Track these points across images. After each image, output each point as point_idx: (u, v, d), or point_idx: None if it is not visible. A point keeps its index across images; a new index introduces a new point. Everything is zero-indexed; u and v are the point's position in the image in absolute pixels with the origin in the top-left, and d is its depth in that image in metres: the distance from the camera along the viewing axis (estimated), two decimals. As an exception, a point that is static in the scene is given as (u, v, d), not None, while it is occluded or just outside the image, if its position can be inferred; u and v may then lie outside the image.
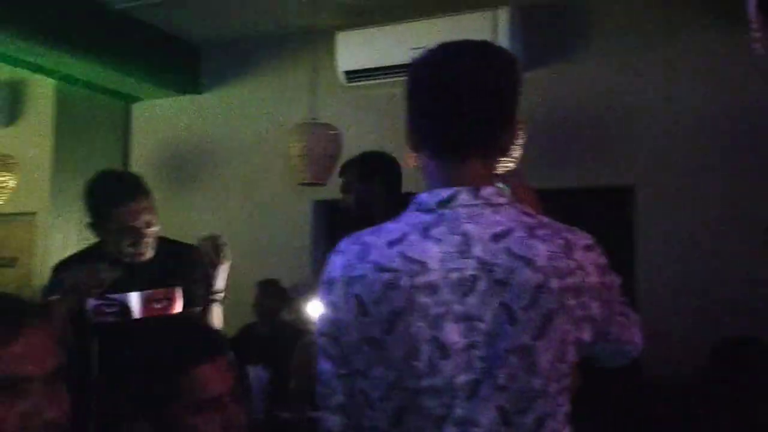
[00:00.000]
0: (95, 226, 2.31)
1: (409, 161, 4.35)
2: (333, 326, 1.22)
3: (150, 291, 2.34)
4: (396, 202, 1.73)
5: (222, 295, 2.45)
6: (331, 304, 1.22)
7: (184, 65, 4.93)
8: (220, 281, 2.43)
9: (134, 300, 2.31)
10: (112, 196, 2.25)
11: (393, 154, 4.38)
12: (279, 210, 4.67)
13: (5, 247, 5.57)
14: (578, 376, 1.25)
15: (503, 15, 3.86)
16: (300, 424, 3.45)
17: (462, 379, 1.12)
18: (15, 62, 4.37)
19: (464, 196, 1.18)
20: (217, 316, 2.46)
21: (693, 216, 3.81)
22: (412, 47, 4.02)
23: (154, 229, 2.34)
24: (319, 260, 4.70)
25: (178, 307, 2.38)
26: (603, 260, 1.21)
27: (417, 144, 1.26)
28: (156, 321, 2.23)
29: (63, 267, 2.38)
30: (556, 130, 4.02)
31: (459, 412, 1.12)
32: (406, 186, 4.30)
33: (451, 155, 1.21)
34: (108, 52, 4.37)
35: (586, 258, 1.17)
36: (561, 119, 4.07)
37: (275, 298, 4.39)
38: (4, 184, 4.65)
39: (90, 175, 2.35)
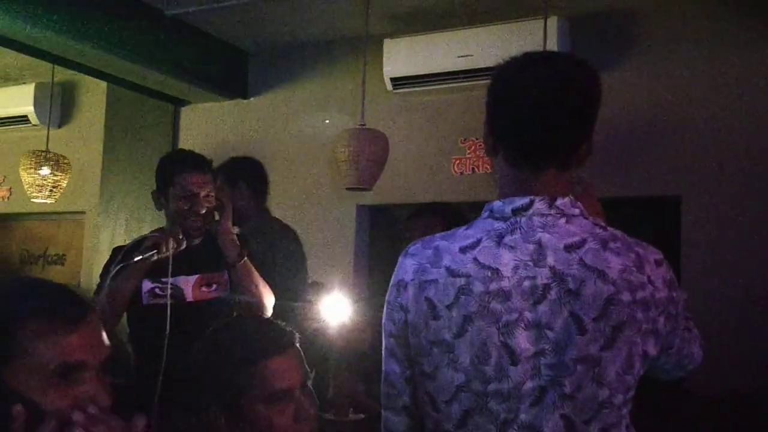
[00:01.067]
0: (159, 192, 2.47)
1: (455, 168, 4.38)
2: (402, 328, 1.24)
3: (201, 275, 2.42)
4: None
5: (243, 253, 2.52)
6: (402, 306, 1.24)
7: (232, 70, 5.01)
8: (233, 236, 2.54)
9: (187, 283, 2.39)
10: (179, 164, 2.45)
11: (438, 160, 4.43)
12: (324, 213, 4.72)
13: (55, 245, 5.71)
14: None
15: (552, 24, 3.85)
16: (342, 426, 3.47)
17: (529, 385, 1.13)
18: (69, 65, 4.48)
19: (539, 206, 1.20)
20: (252, 276, 2.54)
21: (740, 227, 3.76)
22: (459, 55, 4.09)
23: (211, 204, 2.44)
24: (362, 264, 4.74)
25: (226, 292, 2.46)
26: (671, 275, 1.22)
27: (494, 149, 1.27)
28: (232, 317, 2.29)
29: (120, 250, 2.48)
30: (603, 139, 3.98)
31: (524, 417, 1.13)
32: (450, 194, 4.33)
33: (529, 164, 1.23)
34: (159, 56, 4.46)
35: (656, 273, 1.18)
36: (608, 129, 4.04)
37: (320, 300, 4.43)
38: (57, 184, 4.77)
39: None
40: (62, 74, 5.13)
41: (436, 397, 1.19)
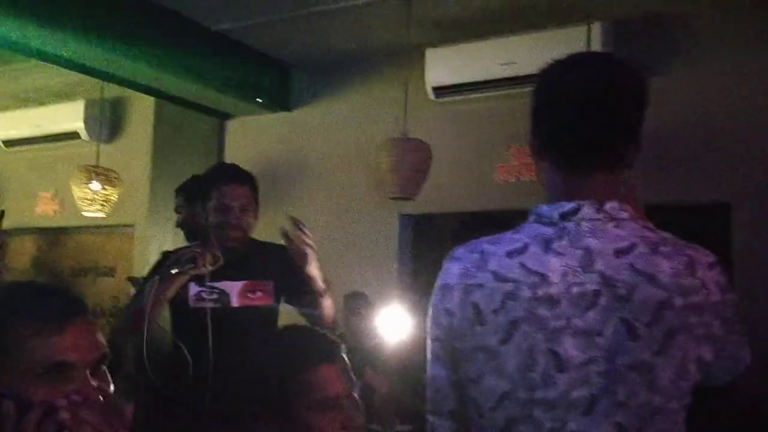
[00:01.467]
0: (197, 206, 2.54)
1: (499, 176, 4.36)
2: (447, 332, 1.23)
3: (247, 281, 2.45)
4: None
5: (323, 285, 2.52)
6: (446, 311, 1.23)
7: (275, 83, 5.07)
8: (316, 270, 2.51)
9: (233, 288, 2.42)
10: (214, 178, 2.50)
11: (481, 168, 4.41)
12: (367, 223, 4.73)
13: (105, 257, 5.83)
14: None
15: (596, 29, 3.82)
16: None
17: (578, 394, 1.11)
18: (117, 81, 4.58)
19: (587, 210, 1.18)
20: (329, 308, 2.54)
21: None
22: (502, 62, 4.08)
23: (248, 216, 2.48)
24: (406, 274, 4.74)
25: (271, 299, 2.48)
26: (724, 279, 1.18)
27: (541, 153, 1.26)
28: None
29: (169, 254, 2.55)
30: (651, 145, 3.92)
31: (573, 426, 1.11)
32: (494, 202, 4.30)
33: (577, 168, 1.21)
34: (204, 70, 4.54)
35: (709, 276, 1.15)
36: (655, 134, 3.97)
37: (362, 310, 4.45)
38: (107, 198, 4.87)
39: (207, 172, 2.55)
40: (111, 90, 5.25)
41: (481, 404, 1.18)
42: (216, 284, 2.38)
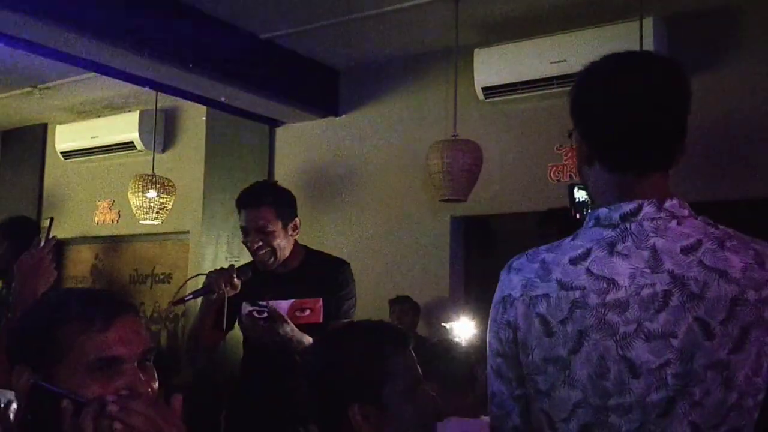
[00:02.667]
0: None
1: (552, 175, 4.31)
2: (511, 346, 1.20)
3: (295, 300, 2.47)
4: None
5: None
6: (509, 324, 1.20)
7: (323, 89, 5.11)
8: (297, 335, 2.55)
9: (282, 308, 2.45)
10: (239, 199, 2.56)
11: (533, 168, 4.36)
12: (417, 226, 4.72)
13: (162, 264, 5.95)
14: None
15: (648, 25, 3.74)
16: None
17: (654, 397, 1.09)
18: (170, 91, 4.68)
19: (648, 209, 1.15)
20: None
21: None
22: (552, 61, 4.03)
23: (269, 236, 2.48)
24: (458, 276, 4.71)
25: (320, 317, 2.50)
26: None
27: (591, 157, 1.23)
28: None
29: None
30: (706, 140, 3.85)
31: (650, 428, 1.09)
32: (547, 202, 4.25)
33: (633, 168, 1.18)
34: (254, 78, 4.60)
35: None
36: (710, 130, 3.89)
37: (410, 313, 4.45)
38: (163, 206, 4.98)
39: (237, 195, 2.60)
40: (164, 101, 5.36)
41: (553, 415, 1.15)
42: (266, 303, 2.42)
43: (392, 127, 4.92)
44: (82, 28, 3.68)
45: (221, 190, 5.33)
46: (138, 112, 5.68)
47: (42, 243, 1.96)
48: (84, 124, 5.98)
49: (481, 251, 4.74)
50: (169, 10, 4.06)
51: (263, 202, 2.50)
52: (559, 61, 3.95)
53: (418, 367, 1.42)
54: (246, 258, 2.67)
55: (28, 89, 5.49)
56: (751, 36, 3.90)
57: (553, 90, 4.08)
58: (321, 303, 2.51)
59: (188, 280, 2.67)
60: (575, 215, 2.42)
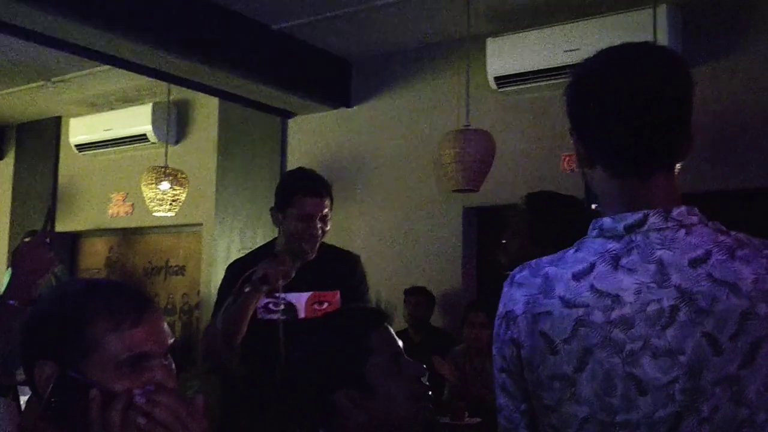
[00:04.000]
0: (277, 209, 2.53)
1: (565, 165, 4.28)
2: (515, 363, 1.17)
3: (314, 293, 2.47)
4: None
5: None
6: (513, 341, 1.17)
7: (335, 80, 5.10)
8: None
9: (300, 301, 2.45)
10: (298, 186, 2.51)
11: (547, 157, 4.35)
12: (430, 217, 4.72)
13: (176, 256, 5.98)
14: None
15: (662, 12, 3.71)
16: (459, 429, 3.46)
17: (662, 413, 1.06)
18: (183, 83, 4.69)
19: (654, 219, 1.10)
20: None
21: None
22: (565, 50, 4.00)
23: (326, 227, 2.51)
24: (471, 267, 4.71)
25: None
26: None
27: (590, 160, 1.17)
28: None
29: (238, 265, 2.59)
30: (719, 129, 3.82)
31: None
32: (561, 191, 4.23)
33: (635, 172, 1.13)
34: (266, 69, 4.60)
35: None
36: (723, 119, 3.86)
37: (424, 305, 4.45)
38: (176, 198, 4.99)
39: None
40: (177, 93, 5.38)
41: (561, 430, 1.14)
42: (284, 296, 2.41)
43: (404, 117, 4.91)
44: (95, 21, 3.69)
45: (234, 182, 5.34)
46: (151, 104, 5.69)
47: (40, 232, 1.97)
48: (97, 117, 6.01)
49: (493, 241, 4.72)
50: (182, 2, 4.06)
51: (326, 192, 2.52)
52: (572, 50, 3.92)
53: (398, 341, 1.41)
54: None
55: (42, 83, 5.51)
56: (764, 23, 3.85)
57: (567, 79, 4.05)
58: (339, 296, 2.52)
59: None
60: (591, 207, 2.39)
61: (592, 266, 1.11)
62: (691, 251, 1.08)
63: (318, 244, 2.50)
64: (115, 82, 5.45)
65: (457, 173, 3.79)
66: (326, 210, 2.50)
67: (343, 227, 4.84)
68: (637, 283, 1.08)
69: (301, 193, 2.48)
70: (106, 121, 5.94)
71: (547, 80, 4.14)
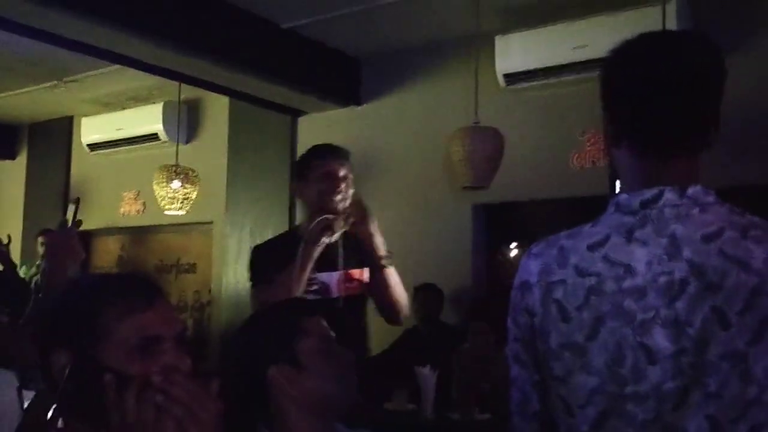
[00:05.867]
0: (297, 181, 2.59)
1: (574, 162, 4.29)
2: (529, 332, 1.20)
3: (344, 271, 2.49)
4: None
5: (389, 256, 2.56)
6: (527, 310, 1.20)
7: (345, 78, 5.11)
8: (380, 239, 2.55)
9: (332, 279, 2.46)
10: (318, 152, 2.57)
11: (556, 154, 4.35)
12: (439, 214, 4.73)
13: (187, 254, 6.02)
14: None
15: (671, 8, 3.70)
16: (469, 426, 3.47)
17: (670, 386, 1.08)
18: (193, 83, 4.71)
19: (669, 196, 1.13)
20: (395, 280, 2.56)
21: None
22: (574, 47, 4.00)
23: (350, 188, 2.53)
24: (480, 264, 4.71)
25: (365, 287, 2.52)
26: None
27: (616, 140, 1.21)
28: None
29: (264, 248, 2.65)
30: (732, 123, 3.79)
31: (666, 418, 1.08)
32: (569, 189, 4.23)
33: (657, 153, 1.17)
34: (276, 68, 4.61)
35: None
36: (735, 113, 3.83)
37: (434, 301, 4.46)
38: (187, 196, 5.02)
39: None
40: (188, 92, 5.40)
41: (570, 402, 1.15)
42: (317, 275, 2.43)
43: (414, 115, 4.92)
44: (106, 20, 3.71)
45: (244, 180, 5.37)
46: (162, 103, 5.73)
47: (69, 223, 2.00)
48: (109, 117, 6.05)
49: (503, 239, 4.73)
50: (193, 2, 4.09)
51: (344, 155, 2.57)
52: (581, 47, 3.92)
53: (331, 332, 1.49)
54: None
55: (54, 82, 5.56)
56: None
57: (575, 76, 4.05)
58: (367, 273, 2.53)
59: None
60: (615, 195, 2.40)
61: (607, 238, 1.15)
62: (704, 227, 1.10)
63: (345, 206, 2.50)
64: (126, 82, 5.49)
65: (466, 170, 3.79)
66: (346, 171, 2.53)
67: (353, 225, 4.86)
68: (649, 255, 1.11)
69: (318, 157, 2.53)
70: (118, 120, 5.98)
71: (556, 77, 4.15)
